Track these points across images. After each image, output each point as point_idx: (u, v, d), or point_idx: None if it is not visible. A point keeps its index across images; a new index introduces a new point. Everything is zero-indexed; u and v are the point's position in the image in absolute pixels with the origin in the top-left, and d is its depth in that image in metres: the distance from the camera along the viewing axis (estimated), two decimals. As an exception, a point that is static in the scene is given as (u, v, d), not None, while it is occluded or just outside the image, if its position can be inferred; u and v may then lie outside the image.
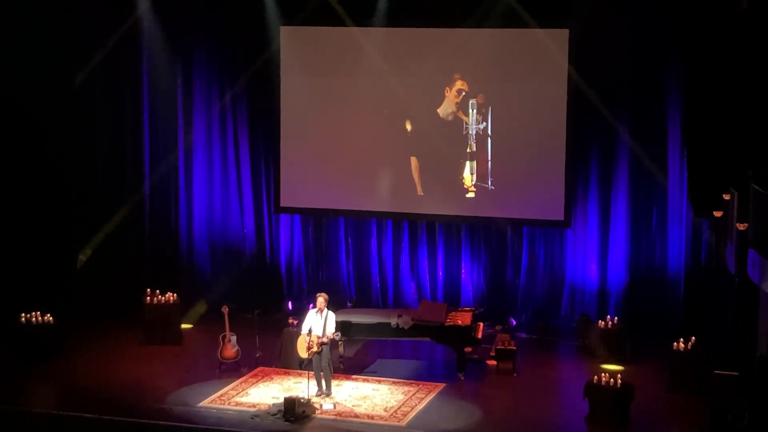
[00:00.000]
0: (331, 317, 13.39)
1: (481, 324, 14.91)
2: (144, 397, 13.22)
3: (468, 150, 16.42)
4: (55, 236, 17.12)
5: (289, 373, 14.13)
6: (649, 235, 16.00)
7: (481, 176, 16.38)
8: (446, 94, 16.42)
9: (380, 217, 17.08)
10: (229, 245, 17.60)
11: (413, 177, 16.63)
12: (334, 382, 13.56)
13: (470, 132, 16.40)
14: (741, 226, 12.66)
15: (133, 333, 15.70)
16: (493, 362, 14.66)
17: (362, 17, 16.51)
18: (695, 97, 15.00)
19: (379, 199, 16.85)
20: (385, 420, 12.58)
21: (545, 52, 15.94)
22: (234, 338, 14.39)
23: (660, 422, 12.80)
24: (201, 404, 13.02)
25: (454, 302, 16.27)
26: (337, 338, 13.39)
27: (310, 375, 13.19)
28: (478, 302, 16.49)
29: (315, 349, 13.16)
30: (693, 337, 13.97)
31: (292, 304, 17.24)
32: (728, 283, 14.17)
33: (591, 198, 16.20)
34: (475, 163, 16.40)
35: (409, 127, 16.69)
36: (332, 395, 13.27)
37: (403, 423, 12.52)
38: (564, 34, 15.78)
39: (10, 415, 12.67)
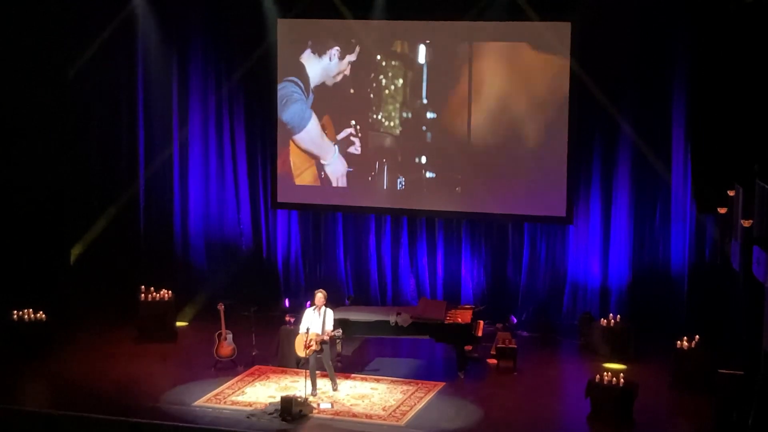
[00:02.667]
0: (330, 314, 13.23)
1: (482, 322, 14.77)
2: (138, 396, 13.08)
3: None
4: (49, 232, 17.00)
5: (286, 372, 13.98)
6: (653, 231, 15.89)
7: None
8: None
9: (379, 212, 16.96)
10: (225, 241, 17.47)
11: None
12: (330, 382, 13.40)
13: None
14: (746, 223, 12.62)
15: (128, 330, 15.58)
16: (493, 361, 14.54)
17: (360, 9, 16.39)
18: (700, 93, 14.90)
19: (378, 194, 16.68)
20: (384, 419, 12.43)
21: (547, 46, 15.76)
22: (230, 336, 14.24)
23: (664, 422, 12.68)
24: (196, 403, 12.87)
25: (454, 300, 16.13)
26: (338, 335, 13.21)
27: (308, 374, 13.03)
28: (478, 300, 16.36)
29: (314, 347, 12.99)
30: (697, 336, 13.85)
31: (289, 301, 17.12)
32: (733, 281, 14.12)
33: (593, 194, 16.07)
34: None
35: (408, 121, 16.52)
36: (328, 394, 13.08)
37: (402, 422, 12.37)
38: (566, 27, 15.64)
39: (2, 414, 12.51)
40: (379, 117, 16.61)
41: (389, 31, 16.45)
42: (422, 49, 16.34)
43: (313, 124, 16.89)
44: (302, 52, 16.75)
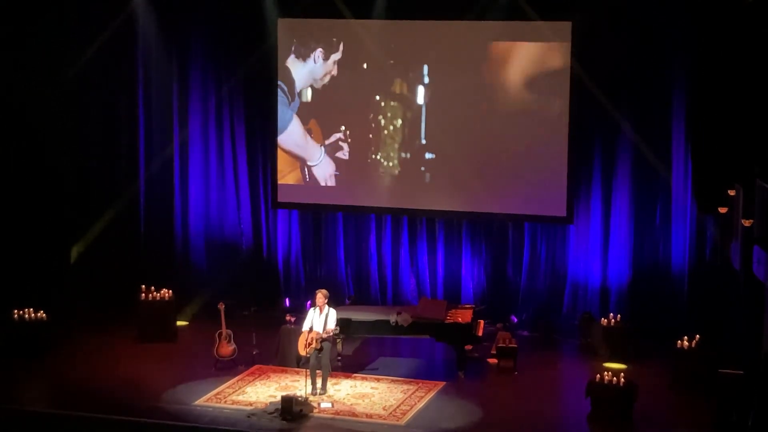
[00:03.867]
0: (332, 314, 13.21)
1: (482, 321, 14.77)
2: (139, 395, 13.06)
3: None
4: (49, 231, 16.96)
5: (286, 371, 13.97)
6: (653, 231, 15.84)
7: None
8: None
9: (379, 212, 16.93)
10: (225, 241, 17.43)
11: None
12: (332, 381, 13.37)
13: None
14: (746, 223, 12.59)
15: (128, 330, 15.55)
16: (493, 360, 14.53)
17: (361, 9, 16.35)
18: (700, 92, 14.89)
19: (378, 194, 16.67)
20: (384, 419, 12.42)
21: (547, 45, 15.74)
22: (230, 335, 14.22)
23: (663, 422, 12.64)
24: (197, 402, 12.86)
25: (454, 299, 16.11)
26: (334, 332, 13.17)
27: (308, 373, 13.02)
28: (478, 299, 16.34)
29: (314, 345, 12.98)
30: (697, 336, 13.83)
31: (290, 301, 17.15)
32: (733, 281, 14.10)
33: (594, 193, 16.03)
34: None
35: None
36: (328, 394, 13.07)
37: (402, 422, 12.35)
38: (567, 26, 15.61)
39: (2, 414, 12.49)
40: (378, 157, 16.60)
41: (389, 32, 16.38)
42: (421, 90, 16.31)
43: (295, 126, 16.85)
44: (288, 55, 16.73)
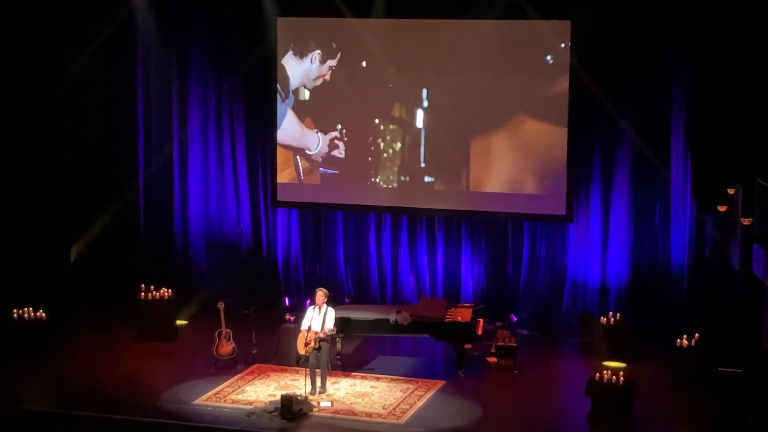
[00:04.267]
0: (331, 313, 13.21)
1: (482, 320, 14.77)
2: (138, 395, 13.06)
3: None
4: (49, 230, 16.96)
5: (286, 370, 13.97)
6: (652, 230, 15.84)
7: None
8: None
9: (379, 211, 16.93)
10: (225, 240, 17.44)
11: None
12: (332, 380, 13.38)
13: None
14: (745, 221, 12.58)
15: (128, 329, 15.56)
16: (493, 359, 14.53)
17: (360, 8, 16.36)
18: (700, 92, 14.90)
19: (378, 193, 16.67)
20: (384, 418, 12.42)
21: (547, 44, 15.75)
22: (230, 334, 14.23)
23: (663, 420, 12.64)
24: (196, 402, 12.86)
25: (453, 298, 16.11)
26: (331, 332, 13.17)
27: (307, 372, 13.03)
28: (478, 298, 16.35)
29: (312, 345, 12.97)
30: (697, 334, 13.82)
31: (289, 300, 17.16)
32: (733, 279, 14.08)
33: (593, 192, 16.04)
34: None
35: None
36: (328, 393, 13.07)
37: (402, 421, 12.35)
38: (566, 25, 15.62)
39: (2, 413, 12.48)
40: (377, 180, 16.60)
41: (388, 30, 16.39)
42: (420, 113, 16.32)
43: (290, 120, 16.86)
44: (284, 53, 16.73)
